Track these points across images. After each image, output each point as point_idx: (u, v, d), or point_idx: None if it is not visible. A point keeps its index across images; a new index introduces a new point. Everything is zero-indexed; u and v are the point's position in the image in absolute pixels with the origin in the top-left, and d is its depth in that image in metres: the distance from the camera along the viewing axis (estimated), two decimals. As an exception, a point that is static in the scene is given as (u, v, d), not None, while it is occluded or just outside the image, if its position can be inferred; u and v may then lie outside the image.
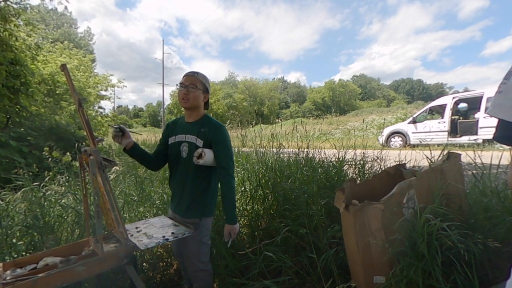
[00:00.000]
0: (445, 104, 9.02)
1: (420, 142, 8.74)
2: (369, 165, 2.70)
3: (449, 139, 8.63)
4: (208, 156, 1.45)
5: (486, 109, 7.64)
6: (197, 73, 1.53)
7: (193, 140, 1.52)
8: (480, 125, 8.13)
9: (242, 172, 2.80)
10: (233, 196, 1.51)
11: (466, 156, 2.02)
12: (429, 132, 9.06)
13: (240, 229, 2.31)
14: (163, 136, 1.69)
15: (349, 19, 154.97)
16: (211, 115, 1.73)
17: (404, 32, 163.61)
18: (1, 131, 4.93)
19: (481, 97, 8.16)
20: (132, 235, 1.41)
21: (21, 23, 5.83)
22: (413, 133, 9.48)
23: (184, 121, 1.61)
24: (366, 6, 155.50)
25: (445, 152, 1.81)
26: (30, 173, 2.73)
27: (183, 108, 1.59)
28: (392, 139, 10.01)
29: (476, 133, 8.24)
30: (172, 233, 1.41)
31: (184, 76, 1.54)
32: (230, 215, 1.49)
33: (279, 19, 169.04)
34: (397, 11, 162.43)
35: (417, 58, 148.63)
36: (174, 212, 1.64)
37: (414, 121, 9.58)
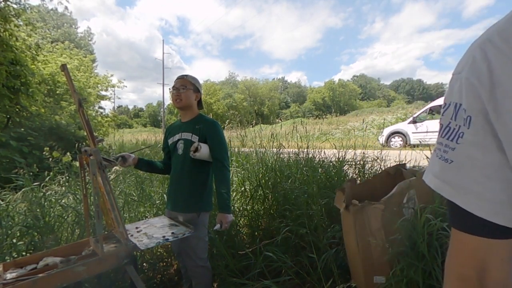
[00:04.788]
0: (445, 104, 9.01)
1: (420, 142, 8.73)
2: (369, 165, 2.70)
3: (449, 139, 8.60)
4: (203, 150, 1.52)
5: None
6: (187, 75, 1.67)
7: (189, 137, 1.60)
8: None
9: (242, 172, 2.80)
10: (228, 186, 1.56)
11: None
12: (429, 132, 9.06)
13: (240, 229, 2.31)
14: (164, 141, 1.79)
15: (352, 18, 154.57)
16: (211, 115, 1.78)
17: (408, 31, 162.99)
18: (1, 131, 4.93)
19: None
20: (132, 235, 1.41)
21: (21, 23, 5.84)
22: (413, 133, 9.48)
23: (180, 122, 1.71)
24: (369, 5, 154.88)
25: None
26: (30, 173, 2.73)
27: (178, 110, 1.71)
28: (392, 139, 10.01)
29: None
30: (172, 233, 1.41)
31: (175, 80, 1.66)
32: (223, 205, 1.53)
33: (281, 17, 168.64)
34: (401, 9, 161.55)
35: (420, 57, 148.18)
36: (172, 210, 1.66)
37: (414, 121, 9.58)
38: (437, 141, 0.37)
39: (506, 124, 0.29)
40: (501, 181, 0.30)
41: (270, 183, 2.44)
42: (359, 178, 2.59)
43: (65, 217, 2.08)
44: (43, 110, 7.01)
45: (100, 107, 12.92)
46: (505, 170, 0.30)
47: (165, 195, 2.57)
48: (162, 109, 33.45)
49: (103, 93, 11.25)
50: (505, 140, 0.29)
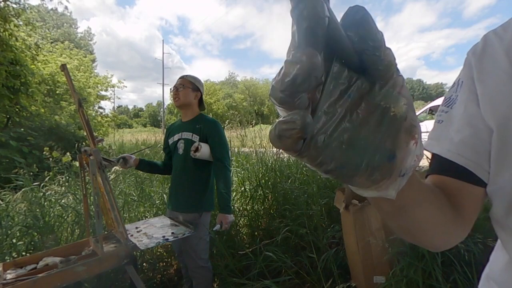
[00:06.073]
0: (445, 104, 9.01)
1: (420, 142, 8.72)
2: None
3: (449, 139, 8.61)
4: (204, 149, 1.52)
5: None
6: (186, 75, 1.67)
7: (189, 136, 1.59)
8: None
9: (242, 172, 2.80)
10: (229, 186, 1.56)
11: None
12: (429, 132, 9.05)
13: (240, 229, 2.31)
14: (165, 141, 1.79)
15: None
16: (211, 115, 1.79)
17: (408, 30, 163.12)
18: (1, 131, 4.93)
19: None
20: (132, 235, 1.41)
21: (21, 23, 5.84)
22: (413, 133, 9.46)
23: (180, 122, 1.71)
24: (370, 4, 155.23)
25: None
26: (30, 173, 2.73)
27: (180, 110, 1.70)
28: (392, 139, 10.00)
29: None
30: (172, 233, 1.41)
31: (176, 80, 1.67)
32: (224, 205, 1.53)
33: (281, 16, 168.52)
34: (401, 9, 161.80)
35: (420, 57, 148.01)
36: (173, 210, 1.65)
37: (414, 121, 9.57)
38: (439, 110, 0.43)
39: (484, 82, 0.36)
40: (473, 128, 0.36)
41: (270, 183, 2.44)
42: (359, 178, 2.58)
43: (65, 217, 2.08)
44: (43, 110, 7.02)
45: (100, 107, 12.93)
46: (477, 120, 0.36)
47: (165, 195, 2.58)
48: (162, 109, 33.45)
49: (103, 93, 11.26)
50: (480, 96, 0.36)
